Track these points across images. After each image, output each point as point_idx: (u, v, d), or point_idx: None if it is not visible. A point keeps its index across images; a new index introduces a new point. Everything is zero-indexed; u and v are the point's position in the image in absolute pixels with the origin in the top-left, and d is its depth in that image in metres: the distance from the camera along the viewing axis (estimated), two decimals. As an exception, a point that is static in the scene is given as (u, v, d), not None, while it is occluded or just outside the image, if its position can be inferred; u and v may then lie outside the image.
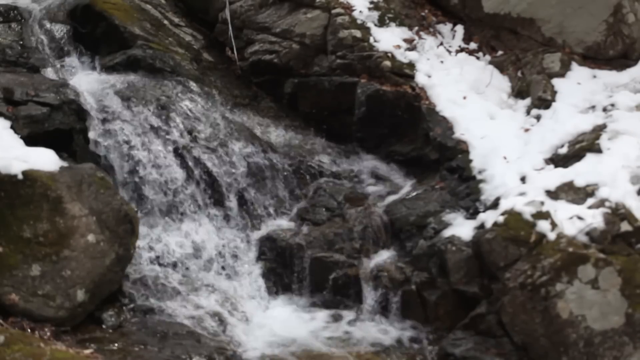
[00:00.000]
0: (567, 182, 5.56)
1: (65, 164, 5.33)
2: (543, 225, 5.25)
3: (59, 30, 6.97)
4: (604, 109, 6.20)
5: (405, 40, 6.96)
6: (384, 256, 5.87)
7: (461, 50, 7.07)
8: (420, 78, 6.67)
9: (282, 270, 5.88)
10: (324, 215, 6.13)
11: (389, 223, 6.03)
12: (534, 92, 6.57)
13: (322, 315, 5.66)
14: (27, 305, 4.92)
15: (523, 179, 5.76)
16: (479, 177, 6.00)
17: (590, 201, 5.38)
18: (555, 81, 6.60)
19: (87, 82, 6.43)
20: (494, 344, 5.25)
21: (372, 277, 5.71)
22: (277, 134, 6.61)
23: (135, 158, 5.97)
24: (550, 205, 5.37)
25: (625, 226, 5.22)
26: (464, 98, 6.59)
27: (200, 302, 5.48)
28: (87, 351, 4.66)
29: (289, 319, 5.60)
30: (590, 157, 5.73)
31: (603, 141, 5.80)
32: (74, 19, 7.03)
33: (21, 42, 6.77)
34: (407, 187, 6.40)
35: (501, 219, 5.37)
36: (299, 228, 6.05)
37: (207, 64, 7.16)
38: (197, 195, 6.04)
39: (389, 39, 6.89)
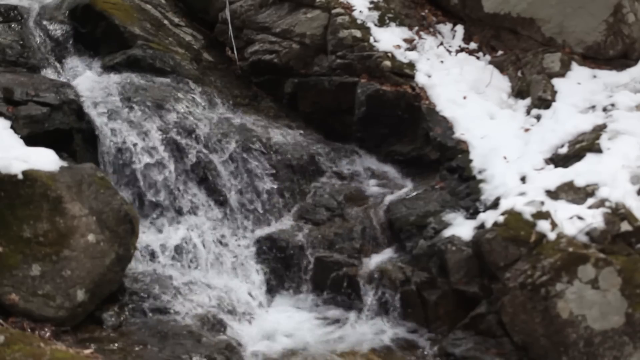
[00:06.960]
0: (567, 182, 5.56)
1: (65, 164, 5.33)
2: (543, 225, 5.25)
3: (59, 30, 6.98)
4: (604, 109, 6.20)
5: (405, 40, 6.96)
6: (384, 256, 5.87)
7: (461, 50, 7.07)
8: (420, 78, 6.67)
9: (282, 270, 5.88)
10: (324, 215, 6.13)
11: (389, 223, 6.03)
12: (534, 92, 6.57)
13: (322, 315, 5.66)
14: (27, 305, 4.91)
15: (523, 179, 5.76)
16: (479, 177, 6.00)
17: (590, 201, 5.38)
18: (555, 81, 6.60)
19: (87, 82, 6.43)
20: (494, 344, 5.24)
21: (372, 277, 5.71)
22: (277, 134, 6.60)
23: (135, 157, 5.97)
24: (550, 205, 5.36)
25: (625, 226, 5.22)
26: (464, 98, 6.59)
27: (201, 302, 5.48)
28: (87, 351, 4.65)
29: (289, 319, 5.60)
30: (590, 157, 5.73)
31: (603, 141, 5.80)
32: (74, 18, 7.04)
33: (21, 42, 6.77)
34: (407, 187, 6.40)
35: (501, 218, 5.37)
36: (299, 228, 6.05)
37: (207, 64, 7.16)
38: (197, 195, 6.04)
39: (389, 39, 6.90)
